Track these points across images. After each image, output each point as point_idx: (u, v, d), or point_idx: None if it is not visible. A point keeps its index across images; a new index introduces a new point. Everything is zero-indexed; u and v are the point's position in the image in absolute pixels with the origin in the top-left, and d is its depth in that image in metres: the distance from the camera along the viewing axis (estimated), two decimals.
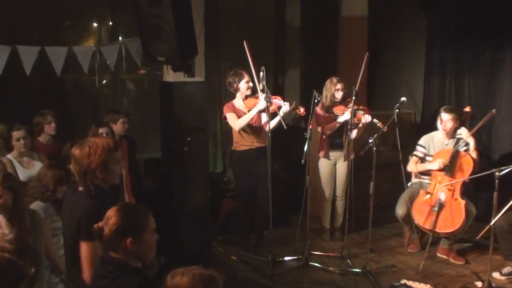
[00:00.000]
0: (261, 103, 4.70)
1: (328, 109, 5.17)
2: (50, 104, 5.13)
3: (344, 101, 5.16)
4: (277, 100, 4.76)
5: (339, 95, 5.13)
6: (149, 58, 5.07)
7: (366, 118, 4.88)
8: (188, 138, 5.18)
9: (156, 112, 5.78)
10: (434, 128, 5.08)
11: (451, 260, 4.88)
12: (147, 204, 2.42)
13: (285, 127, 4.70)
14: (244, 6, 7.00)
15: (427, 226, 4.69)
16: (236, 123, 4.90)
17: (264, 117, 4.82)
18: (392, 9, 6.78)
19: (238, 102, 5.00)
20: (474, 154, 4.72)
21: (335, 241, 5.45)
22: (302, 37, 7.16)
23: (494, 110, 4.52)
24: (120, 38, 6.57)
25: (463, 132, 4.78)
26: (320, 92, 5.07)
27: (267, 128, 4.61)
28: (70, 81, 6.53)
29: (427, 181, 5.01)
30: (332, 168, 5.35)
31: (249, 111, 4.87)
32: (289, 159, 6.23)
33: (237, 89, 4.98)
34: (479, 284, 4.37)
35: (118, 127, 4.83)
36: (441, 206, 4.63)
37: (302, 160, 4.65)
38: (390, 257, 5.07)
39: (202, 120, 5.37)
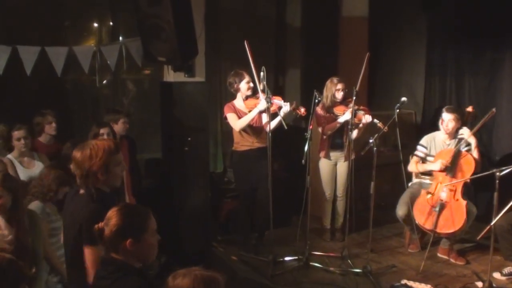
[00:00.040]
0: (262, 103, 4.70)
1: (329, 109, 5.17)
2: (51, 104, 5.13)
3: (344, 101, 5.16)
4: (277, 101, 4.75)
5: (339, 95, 5.13)
6: (150, 58, 5.08)
7: (367, 118, 4.88)
8: (189, 138, 5.19)
9: (157, 112, 5.79)
10: (434, 128, 5.08)
11: (452, 260, 4.87)
12: (148, 204, 2.42)
13: (285, 127, 4.70)
14: (245, 6, 7.00)
15: (428, 226, 4.69)
16: (236, 123, 4.90)
17: (265, 117, 4.82)
18: (393, 9, 6.78)
19: (238, 102, 5.00)
20: (475, 154, 4.72)
21: (336, 241, 5.45)
22: (302, 37, 7.16)
23: (494, 109, 4.51)
24: (120, 38, 6.56)
25: (465, 132, 4.76)
26: (321, 92, 5.07)
27: (267, 129, 4.61)
28: (70, 81, 6.53)
29: (427, 181, 5.01)
30: (333, 168, 5.35)
31: (249, 111, 4.87)
32: (289, 159, 6.23)
33: (237, 90, 4.97)
34: (479, 284, 4.36)
35: (119, 127, 4.83)
36: (442, 206, 4.63)
37: (303, 160, 4.65)
38: (391, 257, 5.06)
39: (202, 120, 5.38)
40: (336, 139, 5.28)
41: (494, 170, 4.09)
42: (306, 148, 4.64)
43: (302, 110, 4.74)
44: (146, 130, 6.68)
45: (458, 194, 4.67)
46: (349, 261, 4.77)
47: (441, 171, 4.75)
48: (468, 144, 4.76)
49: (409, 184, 5.11)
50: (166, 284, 1.96)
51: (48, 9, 6.06)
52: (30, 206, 3.54)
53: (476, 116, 4.87)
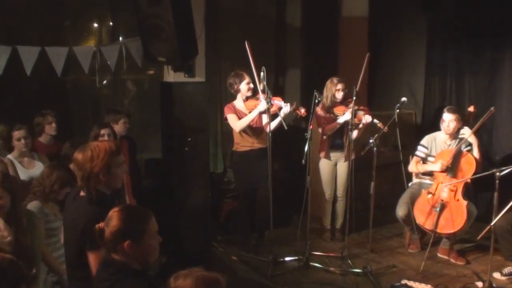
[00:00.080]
0: (262, 104, 4.69)
1: (329, 109, 5.16)
2: (51, 104, 5.13)
3: (344, 102, 5.15)
4: (277, 101, 4.75)
5: (339, 95, 5.13)
6: (150, 58, 5.08)
7: (367, 119, 4.87)
8: (189, 139, 5.19)
9: (157, 112, 5.79)
10: (434, 128, 5.07)
11: (452, 260, 4.87)
12: (148, 204, 2.42)
13: (285, 128, 4.70)
14: (245, 6, 7.00)
15: (428, 226, 4.69)
16: (237, 124, 4.90)
17: (265, 118, 4.81)
18: (393, 9, 6.78)
19: (238, 103, 5.00)
20: (476, 154, 4.72)
21: (336, 241, 5.44)
22: (302, 38, 7.17)
23: (493, 108, 4.48)
24: (120, 38, 6.57)
25: (466, 132, 4.75)
26: (321, 93, 5.07)
27: (267, 129, 4.61)
28: (70, 82, 6.53)
29: (427, 181, 5.01)
30: (333, 169, 5.35)
31: (249, 112, 4.86)
32: (289, 159, 6.23)
33: (237, 91, 4.97)
34: (479, 284, 4.36)
35: (119, 127, 4.83)
36: (442, 206, 4.62)
37: (303, 161, 4.64)
38: (391, 257, 5.06)
39: (202, 121, 5.38)
40: (336, 139, 5.28)
41: (494, 170, 4.09)
42: (306, 148, 4.64)
43: (303, 110, 4.74)
44: (146, 130, 6.68)
45: (459, 194, 4.66)
46: (349, 261, 4.77)
47: (441, 171, 4.75)
48: (469, 144, 4.76)
49: (409, 184, 5.10)
50: (167, 285, 1.95)
51: (48, 9, 6.07)
52: (28, 206, 3.53)
53: (478, 116, 4.86)
